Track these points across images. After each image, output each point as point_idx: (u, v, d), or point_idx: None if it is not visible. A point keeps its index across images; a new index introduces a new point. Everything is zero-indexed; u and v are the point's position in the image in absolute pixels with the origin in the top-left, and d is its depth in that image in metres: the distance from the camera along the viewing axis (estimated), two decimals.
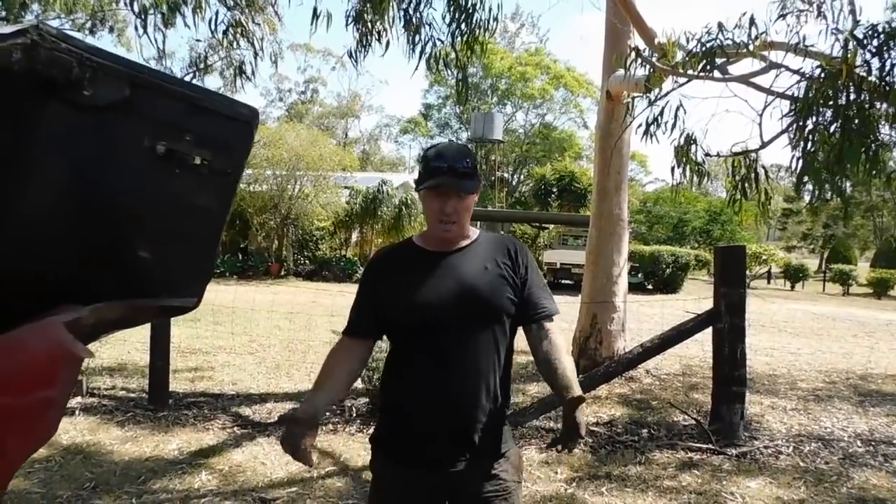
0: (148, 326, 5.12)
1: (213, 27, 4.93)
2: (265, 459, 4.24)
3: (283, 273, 19.67)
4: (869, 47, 3.42)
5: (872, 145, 3.53)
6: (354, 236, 21.98)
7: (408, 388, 1.85)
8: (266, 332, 9.08)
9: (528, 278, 1.90)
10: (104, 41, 18.13)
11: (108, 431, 4.65)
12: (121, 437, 4.56)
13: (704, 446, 4.60)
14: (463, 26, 4.92)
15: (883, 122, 3.61)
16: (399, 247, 2.04)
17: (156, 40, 4.71)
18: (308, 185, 19.51)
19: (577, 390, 1.75)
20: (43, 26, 0.89)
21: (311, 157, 19.21)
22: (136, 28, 4.64)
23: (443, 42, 5.14)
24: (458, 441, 1.81)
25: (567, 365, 1.82)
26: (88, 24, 17.23)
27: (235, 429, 4.83)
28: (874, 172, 3.64)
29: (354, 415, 5.07)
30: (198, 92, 1.09)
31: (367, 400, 5.23)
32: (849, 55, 3.39)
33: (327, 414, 5.16)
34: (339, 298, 11.01)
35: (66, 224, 0.96)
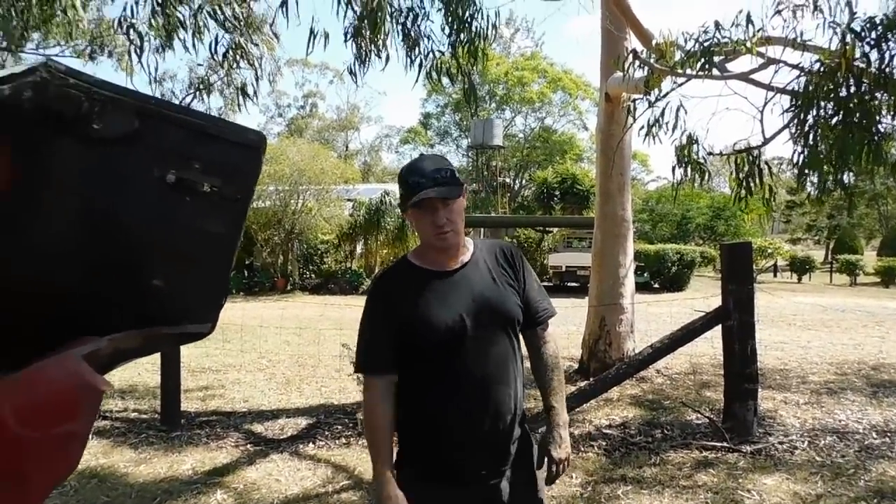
0: None
1: (213, 50, 4.98)
2: (279, 476, 4.24)
3: (289, 288, 19.70)
4: (867, 39, 3.43)
5: (875, 136, 3.53)
6: (359, 248, 22.01)
7: (438, 407, 1.81)
8: (275, 348, 9.09)
9: (527, 281, 1.93)
10: (104, 66, 18.30)
11: (122, 454, 4.66)
12: (134, 459, 4.57)
13: (719, 444, 4.58)
14: (462, 36, 4.94)
15: (884, 113, 3.61)
16: (398, 269, 1.96)
17: (149, 66, 4.74)
18: (311, 199, 19.57)
19: (552, 437, 1.89)
20: (52, 63, 0.90)
21: (313, 170, 19.28)
22: (129, 55, 4.67)
23: (442, 53, 5.16)
24: (496, 453, 1.83)
25: (556, 386, 1.95)
26: (88, 51, 17.33)
27: (248, 446, 4.84)
28: (877, 163, 3.64)
29: None
30: (205, 120, 1.10)
31: None
32: (847, 48, 3.39)
33: (339, 427, 5.17)
34: (347, 311, 11.05)
35: (80, 256, 0.97)
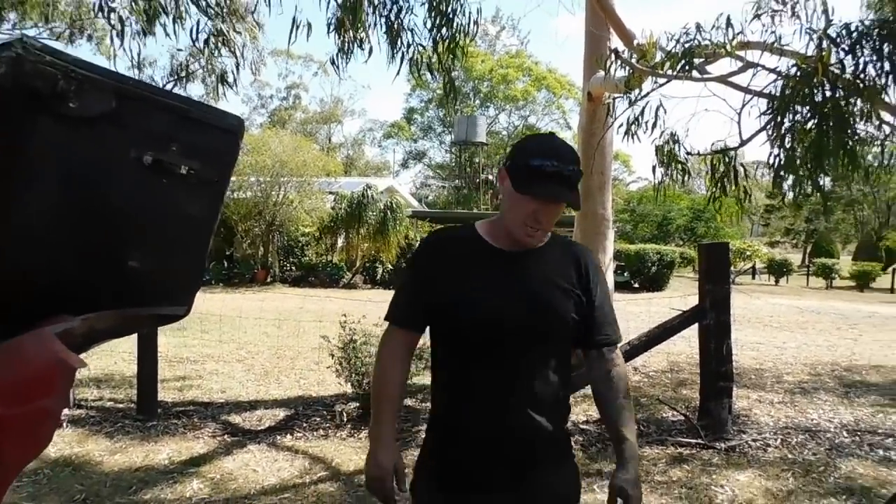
0: (135, 336, 5.10)
1: (194, 36, 4.94)
2: (256, 466, 4.24)
3: (269, 280, 19.60)
4: (843, 46, 3.50)
5: (849, 141, 3.60)
6: (340, 241, 21.93)
7: (462, 401, 1.66)
8: (254, 340, 9.05)
9: (595, 297, 1.71)
10: (83, 50, 18.04)
11: (97, 442, 4.62)
12: (110, 447, 4.54)
13: (694, 441, 4.65)
14: (444, 31, 4.95)
15: (859, 119, 3.68)
16: (459, 233, 1.80)
17: (131, 50, 4.69)
18: (292, 191, 19.48)
19: (625, 473, 1.62)
20: (28, 40, 0.90)
21: (295, 163, 19.18)
22: (111, 39, 4.62)
23: (424, 47, 5.17)
24: (520, 462, 1.63)
25: (626, 415, 1.68)
26: (67, 33, 17.10)
27: (226, 437, 4.82)
28: (851, 168, 3.71)
29: (345, 420, 5.07)
30: (184, 103, 1.10)
31: (358, 404, 5.24)
32: (823, 54, 3.46)
33: (317, 419, 5.17)
34: (328, 303, 11.02)
35: (58, 233, 0.97)
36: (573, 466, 1.79)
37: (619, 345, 1.76)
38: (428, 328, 1.75)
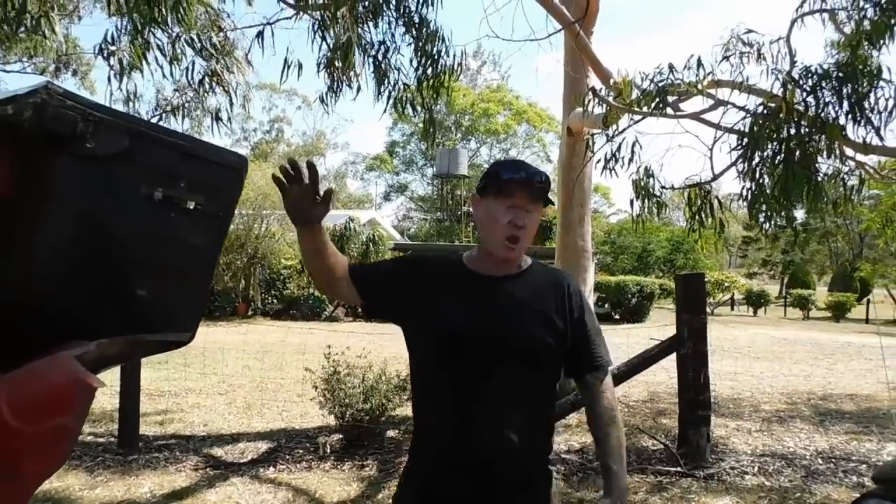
0: (118, 370, 5.08)
1: (189, 77, 5.10)
2: (239, 499, 4.22)
3: (250, 313, 19.47)
4: (805, 86, 3.69)
5: (814, 176, 3.78)
6: None
7: (433, 419, 1.69)
8: (236, 373, 9.00)
9: (580, 324, 1.69)
10: (68, 84, 18.10)
11: (77, 477, 4.58)
12: (90, 482, 4.50)
13: (673, 469, 4.71)
14: (429, 71, 5.13)
15: (822, 154, 3.86)
16: (446, 256, 1.86)
17: (128, 89, 4.83)
18: (275, 223, 19.48)
19: (613, 495, 1.58)
20: (51, 86, 0.99)
21: (278, 195, 19.18)
22: (108, 80, 4.76)
23: (408, 86, 5.33)
24: (480, 485, 1.60)
25: (613, 444, 1.64)
26: (52, 68, 17.18)
27: (208, 470, 4.79)
28: (817, 201, 3.88)
29: (329, 451, 5.07)
30: (191, 142, 1.19)
31: (341, 436, 5.25)
32: (787, 94, 3.64)
33: (300, 451, 5.16)
34: (310, 337, 11.00)
35: (72, 265, 1.05)
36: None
37: (607, 369, 1.72)
38: (407, 348, 1.77)
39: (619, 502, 1.58)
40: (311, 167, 1.61)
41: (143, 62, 4.71)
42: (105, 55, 4.70)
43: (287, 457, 5.06)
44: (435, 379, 1.68)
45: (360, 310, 1.79)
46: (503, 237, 1.62)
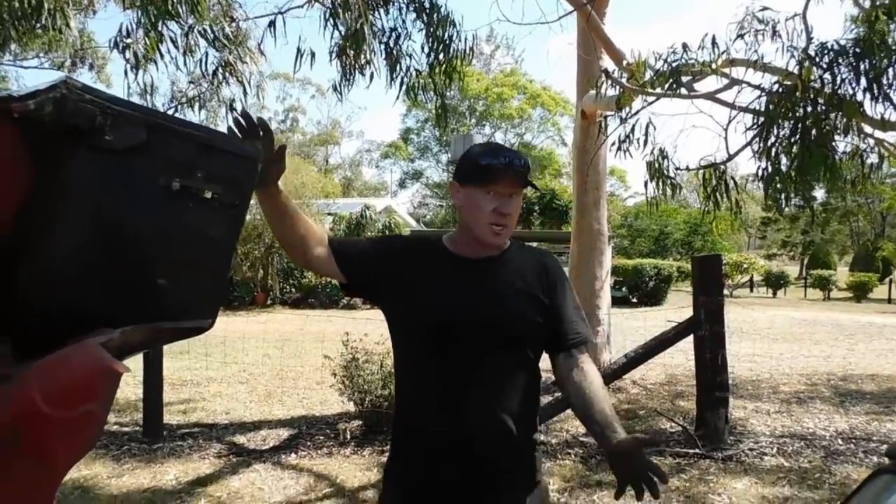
0: (140, 360, 5.17)
1: (203, 68, 5.15)
2: (262, 485, 4.30)
3: (269, 302, 19.65)
4: (821, 63, 3.64)
5: (832, 154, 3.74)
6: None
7: (417, 401, 1.67)
8: (256, 361, 9.10)
9: (559, 300, 1.68)
10: (84, 78, 18.24)
11: (105, 465, 4.68)
12: (117, 470, 4.60)
13: (691, 451, 4.72)
14: (441, 56, 5.13)
15: (839, 133, 3.82)
16: (426, 239, 1.82)
17: (144, 82, 4.89)
18: None
19: (620, 432, 1.51)
20: (70, 80, 1.01)
21: (294, 185, 19.29)
22: (125, 73, 4.82)
23: (420, 72, 5.34)
24: (472, 471, 1.59)
25: (605, 404, 1.56)
26: (68, 63, 17.34)
27: (231, 457, 4.88)
28: (834, 180, 3.84)
29: (349, 437, 5.14)
30: (208, 133, 1.22)
31: (361, 422, 5.31)
32: (803, 71, 3.60)
33: (321, 438, 5.23)
34: (328, 325, 11.07)
35: (93, 257, 1.08)
36: (538, 484, 1.70)
37: (587, 344, 1.70)
38: (389, 332, 1.75)
39: (622, 432, 1.52)
40: (263, 122, 1.54)
41: (158, 54, 4.76)
42: (120, 48, 4.76)
43: (308, 443, 5.13)
44: (424, 365, 1.65)
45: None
46: (489, 224, 1.61)
